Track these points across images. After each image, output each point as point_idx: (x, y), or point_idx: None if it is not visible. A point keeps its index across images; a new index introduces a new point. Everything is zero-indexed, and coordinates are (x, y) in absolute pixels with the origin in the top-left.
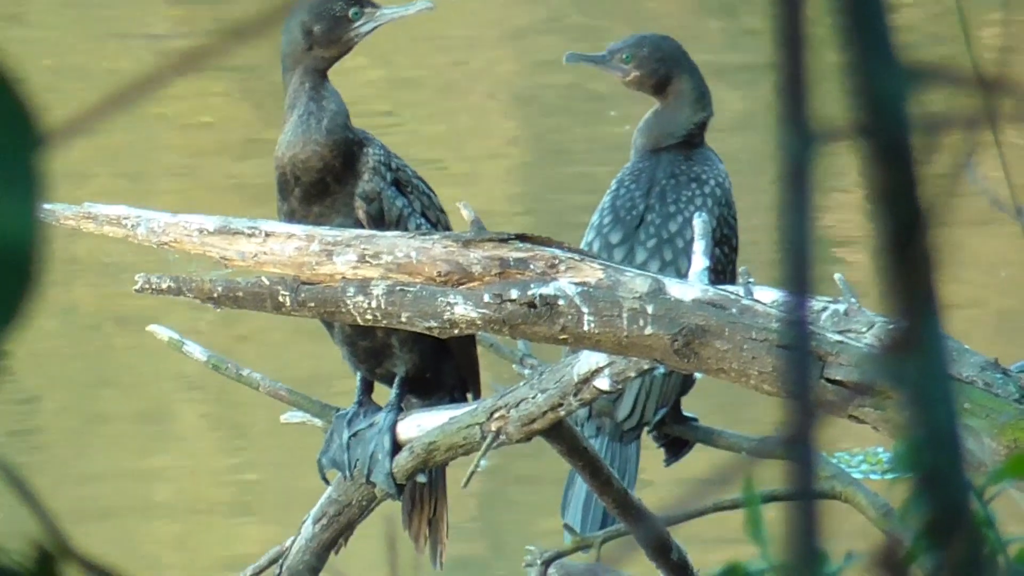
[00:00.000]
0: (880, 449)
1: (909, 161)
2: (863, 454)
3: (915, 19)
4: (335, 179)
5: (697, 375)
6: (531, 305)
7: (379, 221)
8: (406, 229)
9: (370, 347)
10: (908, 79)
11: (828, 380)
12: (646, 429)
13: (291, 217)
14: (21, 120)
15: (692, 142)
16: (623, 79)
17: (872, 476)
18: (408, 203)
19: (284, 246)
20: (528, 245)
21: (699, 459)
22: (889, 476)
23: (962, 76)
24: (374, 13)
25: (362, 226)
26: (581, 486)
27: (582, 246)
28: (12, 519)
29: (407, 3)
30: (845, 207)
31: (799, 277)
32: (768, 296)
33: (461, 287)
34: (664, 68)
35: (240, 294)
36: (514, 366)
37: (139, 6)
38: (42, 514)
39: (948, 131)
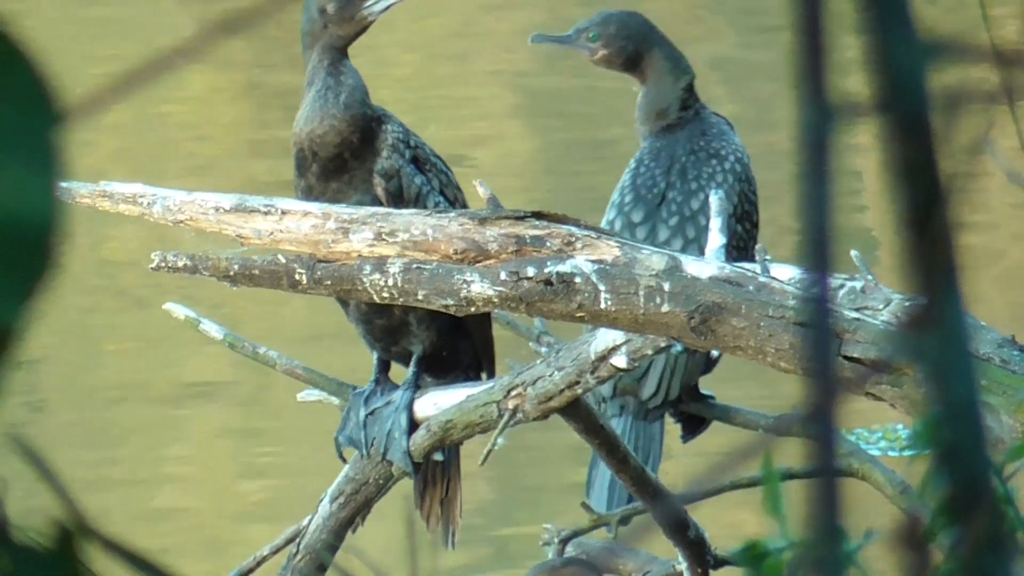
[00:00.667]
0: (900, 426)
1: (929, 136)
2: (882, 431)
3: None
4: (353, 155)
5: (714, 353)
6: (547, 283)
7: (398, 198)
8: (425, 207)
9: (386, 325)
10: (927, 54)
11: (845, 357)
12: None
13: (308, 193)
14: (39, 97)
15: (692, 109)
16: (591, 58)
17: (890, 453)
18: (427, 181)
19: (300, 224)
20: (544, 223)
21: (718, 434)
22: (908, 453)
23: (980, 50)
24: None
25: (380, 203)
26: (606, 467)
27: (603, 224)
28: (30, 497)
29: None
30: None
31: (819, 254)
32: (785, 273)
33: (477, 265)
34: (632, 45)
35: (256, 272)
36: (531, 344)
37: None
38: (60, 490)
39: (967, 106)
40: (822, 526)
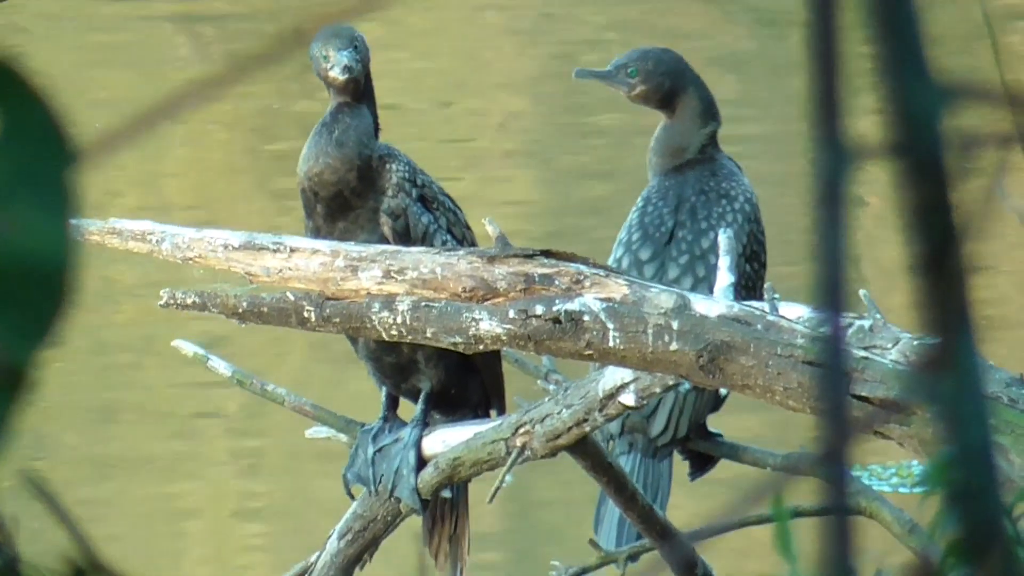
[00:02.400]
0: (914, 463)
1: (943, 179)
2: (895, 467)
3: (948, 34)
4: (354, 193)
5: (723, 391)
6: (556, 321)
7: (405, 237)
8: (432, 245)
9: (395, 363)
10: (942, 96)
11: (854, 396)
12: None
13: (317, 234)
14: (53, 136)
15: (707, 153)
16: (629, 93)
17: (901, 490)
18: (434, 219)
19: (309, 262)
20: (553, 261)
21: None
22: (918, 490)
23: (995, 94)
24: (334, 57)
25: (387, 242)
26: (614, 505)
27: (610, 263)
28: (41, 534)
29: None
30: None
31: (833, 295)
32: (794, 312)
33: (486, 303)
34: (669, 81)
35: (265, 309)
36: (539, 382)
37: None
38: (72, 528)
39: (981, 149)
40: (835, 566)
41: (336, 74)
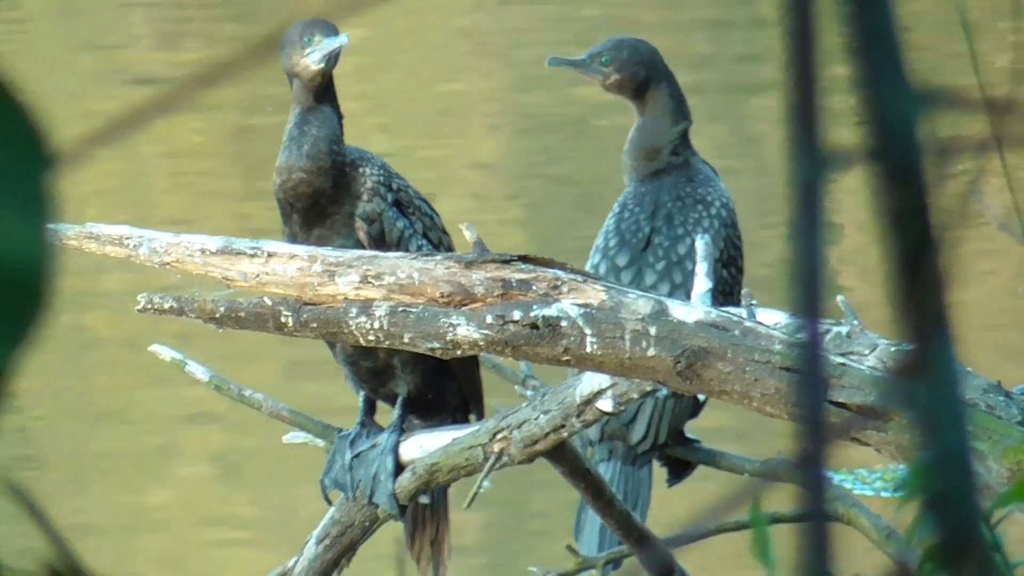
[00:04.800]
0: (901, 467)
1: (920, 185)
2: (882, 471)
3: (925, 40)
4: (329, 201)
5: (701, 396)
6: (533, 326)
7: (380, 242)
8: (407, 250)
9: (372, 368)
10: (919, 102)
11: (831, 402)
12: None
13: (294, 240)
14: (31, 141)
15: (682, 156)
16: (603, 82)
17: (883, 494)
18: (409, 224)
19: (286, 267)
20: (530, 266)
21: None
22: (899, 494)
23: (972, 100)
24: (321, 42)
25: (363, 247)
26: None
27: (587, 268)
28: (20, 538)
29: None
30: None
31: (810, 301)
32: (771, 318)
33: (463, 308)
34: (643, 71)
35: (242, 314)
36: (516, 387)
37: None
38: (52, 533)
39: (959, 155)
40: (813, 571)
41: (311, 62)
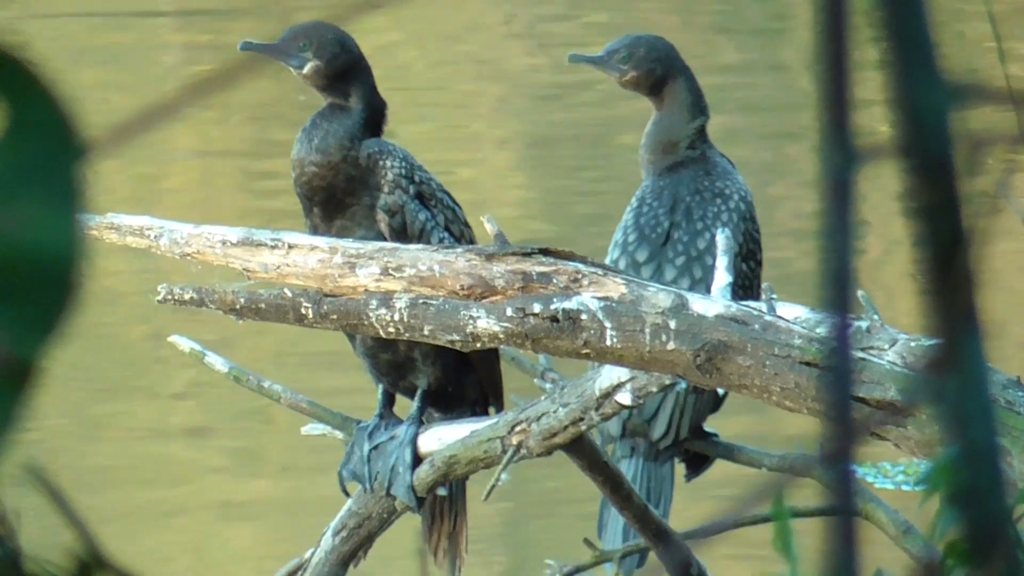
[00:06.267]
0: (924, 461)
1: (951, 179)
2: (904, 465)
3: (958, 33)
4: (346, 193)
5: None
6: (554, 319)
7: (401, 234)
8: (429, 243)
9: (392, 360)
10: (951, 96)
11: (852, 397)
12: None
13: (315, 232)
14: (61, 131)
15: (699, 150)
16: (620, 79)
17: (904, 487)
18: (431, 216)
19: (307, 258)
20: (551, 259)
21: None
22: (920, 487)
23: (1002, 94)
24: (306, 55)
25: (384, 239)
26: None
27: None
28: (45, 529)
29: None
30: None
31: (840, 296)
32: (791, 312)
33: (484, 301)
34: (661, 68)
35: (262, 306)
36: (535, 380)
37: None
38: (77, 523)
39: (989, 149)
40: (839, 566)
41: (292, 68)
